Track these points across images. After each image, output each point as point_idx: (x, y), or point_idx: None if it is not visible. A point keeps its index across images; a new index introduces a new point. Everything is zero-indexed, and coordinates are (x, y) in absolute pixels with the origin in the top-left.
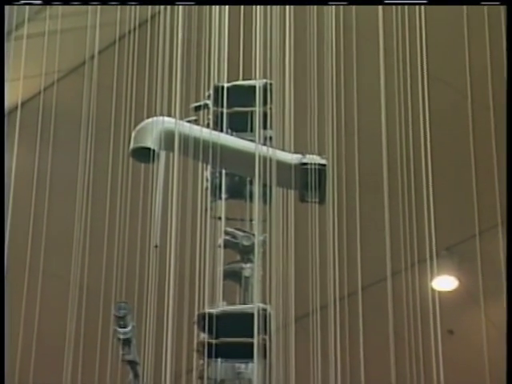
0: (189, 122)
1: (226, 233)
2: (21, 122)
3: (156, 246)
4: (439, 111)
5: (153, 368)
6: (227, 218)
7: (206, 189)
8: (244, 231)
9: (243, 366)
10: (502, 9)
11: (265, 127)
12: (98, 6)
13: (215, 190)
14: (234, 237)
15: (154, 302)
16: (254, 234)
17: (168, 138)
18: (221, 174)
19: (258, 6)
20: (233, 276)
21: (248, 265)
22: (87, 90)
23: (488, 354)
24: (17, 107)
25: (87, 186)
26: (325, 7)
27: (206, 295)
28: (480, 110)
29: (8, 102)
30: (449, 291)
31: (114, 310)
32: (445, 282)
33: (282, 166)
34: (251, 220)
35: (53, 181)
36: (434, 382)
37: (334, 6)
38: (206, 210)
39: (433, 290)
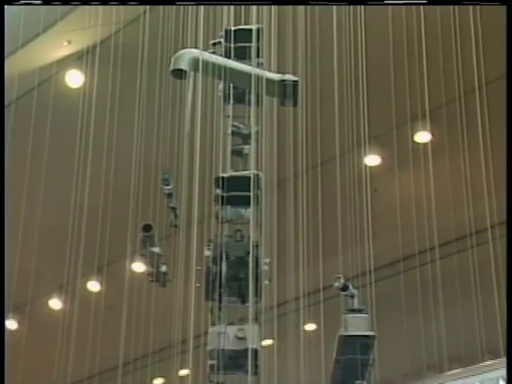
0: (209, 52)
1: (233, 125)
2: (99, 55)
3: (187, 134)
4: (374, 44)
5: (185, 211)
6: (234, 116)
7: (220, 97)
8: (244, 124)
9: (243, 210)
10: (503, 9)
11: (258, 56)
12: None
13: (225, 98)
14: (238, 128)
15: (187, 170)
16: (251, 126)
17: (195, 63)
18: (229, 87)
19: None
20: (237, 153)
21: (247, 146)
22: (142, 34)
23: (399, 204)
24: (96, 46)
25: (144, 96)
26: None
27: (220, 165)
28: (398, 51)
29: (91, 41)
30: (375, 165)
31: (161, 175)
32: (373, 159)
33: (269, 81)
34: (249, 117)
35: (121, 96)
36: (364, 220)
37: None
38: (220, 110)
39: (365, 165)
